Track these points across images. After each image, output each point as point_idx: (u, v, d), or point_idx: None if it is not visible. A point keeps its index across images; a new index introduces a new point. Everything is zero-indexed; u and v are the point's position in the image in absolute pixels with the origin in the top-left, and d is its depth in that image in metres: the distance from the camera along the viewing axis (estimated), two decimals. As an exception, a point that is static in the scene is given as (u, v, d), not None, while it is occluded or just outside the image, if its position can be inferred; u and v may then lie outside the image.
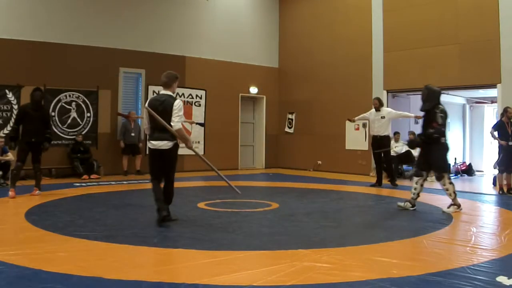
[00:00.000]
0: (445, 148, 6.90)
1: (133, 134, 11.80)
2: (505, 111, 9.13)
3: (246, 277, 3.55)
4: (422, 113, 7.17)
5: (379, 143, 9.94)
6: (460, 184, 11.43)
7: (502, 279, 3.49)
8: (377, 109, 10.04)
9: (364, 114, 10.54)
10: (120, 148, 11.77)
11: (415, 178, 6.97)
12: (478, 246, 4.61)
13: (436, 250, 4.47)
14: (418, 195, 6.93)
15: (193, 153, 5.97)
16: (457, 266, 3.85)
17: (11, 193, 7.46)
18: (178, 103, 5.48)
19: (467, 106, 15.63)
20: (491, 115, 14.94)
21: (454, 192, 6.71)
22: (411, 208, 6.88)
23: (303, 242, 4.70)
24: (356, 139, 13.09)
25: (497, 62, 10.30)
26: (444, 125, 6.77)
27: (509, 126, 8.98)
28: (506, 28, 10.15)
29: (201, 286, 3.33)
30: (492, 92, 11.71)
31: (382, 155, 10.05)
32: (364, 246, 4.63)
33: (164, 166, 5.57)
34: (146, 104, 5.61)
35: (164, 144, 5.42)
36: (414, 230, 5.49)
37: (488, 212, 7.18)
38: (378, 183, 10.03)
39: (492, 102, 13.71)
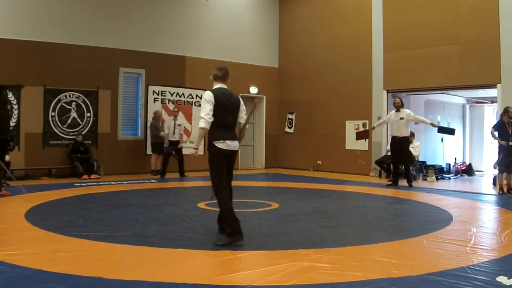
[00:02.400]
0: None
1: (166, 132, 11.72)
2: (505, 111, 9.12)
3: (246, 277, 3.55)
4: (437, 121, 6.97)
5: (398, 144, 9.91)
6: (460, 184, 11.45)
7: (502, 279, 3.49)
8: (398, 109, 9.99)
9: (383, 119, 10.46)
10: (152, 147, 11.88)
11: None
12: (478, 246, 4.61)
13: (436, 250, 4.47)
14: None
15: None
16: (457, 266, 3.84)
17: None
18: (240, 100, 4.97)
19: (467, 106, 15.63)
20: (491, 115, 14.94)
21: None
22: None
23: (303, 242, 4.70)
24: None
25: (497, 62, 10.30)
26: None
27: (509, 126, 8.97)
28: (506, 28, 10.15)
29: (201, 286, 3.33)
30: (492, 92, 11.71)
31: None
32: (364, 246, 4.64)
33: (230, 170, 4.91)
34: (213, 96, 4.69)
35: (237, 145, 4.82)
36: (414, 230, 5.49)
37: (488, 212, 7.18)
38: (395, 183, 10.02)
39: (492, 102, 13.71)
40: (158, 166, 11.87)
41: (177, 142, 11.73)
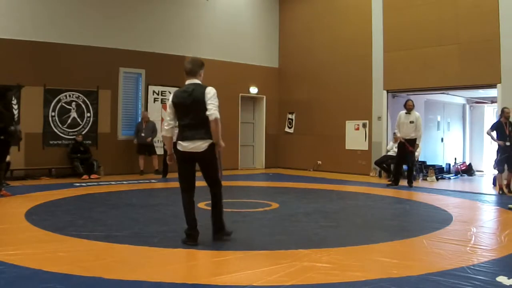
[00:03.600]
0: None
1: (143, 135, 11.81)
2: (502, 112, 9.19)
3: (246, 277, 3.55)
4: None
5: (406, 145, 9.86)
6: (460, 184, 11.45)
7: (502, 279, 3.49)
8: (408, 112, 9.92)
9: (396, 126, 10.22)
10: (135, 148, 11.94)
11: None
12: (478, 246, 4.61)
13: (436, 250, 4.47)
14: None
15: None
16: (457, 266, 3.84)
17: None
18: (210, 90, 4.53)
19: (467, 106, 15.63)
20: (491, 115, 14.94)
21: None
22: None
23: (303, 242, 4.70)
24: (356, 139, 13.09)
25: (497, 62, 10.29)
26: None
27: (507, 127, 9.02)
28: (506, 28, 10.15)
29: (201, 286, 3.33)
30: (492, 92, 11.71)
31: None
32: (364, 246, 4.63)
33: (204, 173, 4.65)
34: (171, 99, 4.59)
35: (199, 146, 4.45)
36: (414, 230, 5.49)
37: (488, 212, 7.18)
38: (395, 183, 10.01)
39: (492, 102, 13.71)
40: (142, 167, 11.94)
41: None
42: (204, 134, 4.45)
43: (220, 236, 4.66)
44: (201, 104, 4.44)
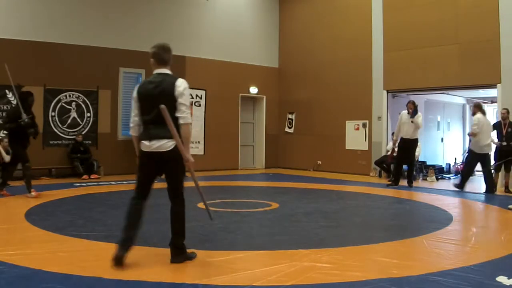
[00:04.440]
0: None
1: None
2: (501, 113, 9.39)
3: (246, 277, 3.55)
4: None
5: (407, 145, 9.87)
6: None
7: (502, 279, 3.49)
8: (409, 113, 9.90)
9: (397, 126, 10.14)
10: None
11: None
12: (478, 246, 4.61)
13: (436, 250, 4.47)
14: None
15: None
16: (457, 266, 3.84)
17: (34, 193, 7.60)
18: (182, 83, 3.86)
19: (467, 106, 15.62)
20: (491, 115, 14.93)
21: None
22: None
23: (303, 242, 4.70)
24: (356, 139, 13.09)
25: (497, 62, 10.29)
26: None
27: (505, 127, 9.15)
28: (506, 28, 10.15)
29: (201, 286, 3.33)
30: (492, 92, 11.71)
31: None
32: (364, 246, 4.64)
33: (166, 179, 4.04)
34: (135, 91, 3.96)
35: (162, 145, 3.84)
36: (414, 230, 5.49)
37: (488, 212, 7.18)
38: (395, 183, 10.02)
39: (492, 102, 13.72)
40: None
41: None
42: (164, 132, 3.79)
43: (179, 260, 3.93)
44: (170, 98, 3.77)
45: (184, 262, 3.94)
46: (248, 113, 15.14)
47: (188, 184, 4.14)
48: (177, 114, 3.80)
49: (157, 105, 3.70)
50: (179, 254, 3.96)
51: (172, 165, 3.94)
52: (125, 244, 3.77)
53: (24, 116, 7.47)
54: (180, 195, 4.04)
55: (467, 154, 9.69)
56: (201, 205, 7.06)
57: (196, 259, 4.05)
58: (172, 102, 3.77)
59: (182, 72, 13.14)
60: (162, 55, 3.94)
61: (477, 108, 9.22)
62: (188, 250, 4.07)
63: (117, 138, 12.09)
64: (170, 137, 3.79)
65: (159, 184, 4.23)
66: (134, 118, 3.98)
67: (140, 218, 3.93)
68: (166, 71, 3.95)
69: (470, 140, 9.41)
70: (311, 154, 14.25)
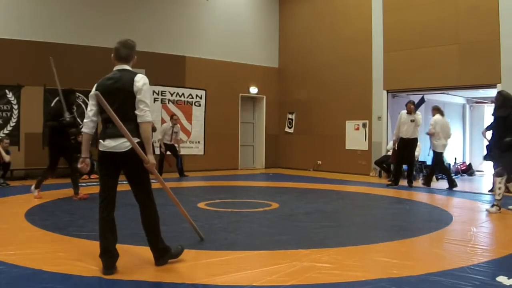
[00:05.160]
0: None
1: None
2: None
3: (246, 277, 3.55)
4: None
5: (407, 145, 9.88)
6: (460, 184, 11.42)
7: (502, 279, 3.49)
8: (409, 112, 9.90)
9: (397, 125, 10.16)
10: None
11: (498, 179, 6.74)
12: (478, 246, 4.61)
13: (436, 250, 4.47)
14: (503, 195, 6.71)
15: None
16: (457, 266, 3.84)
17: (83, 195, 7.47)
18: (141, 79, 3.66)
19: (467, 106, 15.63)
20: (491, 115, 14.93)
21: (502, 194, 6.65)
22: (499, 211, 6.66)
23: (303, 242, 4.69)
24: (356, 139, 13.09)
25: (497, 62, 10.30)
26: None
27: None
28: (506, 28, 10.15)
29: (201, 286, 3.33)
30: (492, 92, 11.68)
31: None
32: (364, 246, 4.63)
33: (131, 181, 3.76)
34: (94, 88, 3.78)
35: (119, 145, 3.60)
36: (414, 230, 5.49)
37: (488, 212, 7.16)
38: (395, 183, 10.02)
39: (492, 102, 13.69)
40: None
41: (171, 146, 11.73)
42: (130, 131, 3.55)
43: (164, 262, 3.81)
44: (128, 95, 3.59)
45: (179, 262, 3.89)
46: (248, 113, 15.14)
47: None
48: (136, 112, 3.58)
49: (116, 102, 3.57)
50: (163, 256, 3.81)
51: (130, 167, 3.67)
52: (109, 260, 3.58)
53: (66, 114, 7.27)
54: (148, 196, 3.81)
55: (432, 157, 10.23)
56: (201, 205, 7.07)
57: (196, 259, 4.05)
58: (131, 99, 3.59)
59: (182, 72, 13.16)
60: (121, 51, 3.82)
61: (436, 110, 10.11)
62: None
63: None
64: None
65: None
66: (89, 113, 3.77)
67: (115, 227, 3.69)
68: (126, 67, 3.79)
69: (430, 141, 10.06)
70: (311, 154, 14.25)
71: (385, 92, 12.51)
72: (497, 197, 6.66)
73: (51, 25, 11.05)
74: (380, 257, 4.20)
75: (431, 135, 9.87)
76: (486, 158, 7.29)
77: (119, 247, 3.90)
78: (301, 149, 14.61)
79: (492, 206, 6.71)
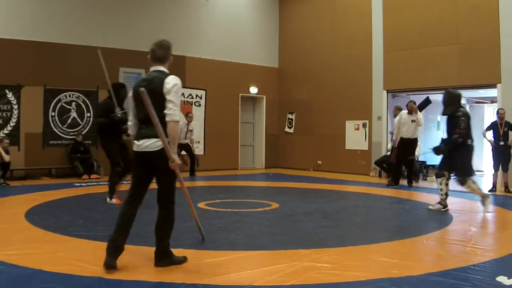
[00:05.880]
0: (469, 151, 6.89)
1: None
2: (497, 113, 9.45)
3: (246, 277, 3.55)
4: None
5: (407, 145, 9.87)
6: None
7: (502, 279, 3.49)
8: (410, 112, 9.89)
9: (395, 124, 10.19)
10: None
11: (438, 179, 6.91)
12: (478, 246, 4.61)
13: (436, 250, 4.48)
14: (446, 195, 6.88)
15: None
16: (457, 266, 3.84)
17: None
18: (172, 80, 3.67)
19: (467, 106, 15.59)
20: (491, 115, 14.93)
21: (479, 189, 6.91)
22: (443, 210, 6.80)
23: (303, 242, 4.70)
24: (356, 139, 13.09)
25: (497, 62, 10.29)
26: (467, 128, 6.71)
27: (502, 127, 9.25)
28: (506, 28, 10.15)
29: (201, 286, 3.33)
30: (492, 92, 11.71)
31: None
32: (364, 246, 4.63)
33: (157, 180, 3.81)
34: (132, 91, 3.86)
35: (150, 145, 3.67)
36: (414, 230, 5.49)
37: (488, 212, 7.16)
38: (395, 183, 10.02)
39: (492, 102, 13.72)
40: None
41: (186, 145, 11.74)
42: (152, 131, 3.64)
43: (162, 264, 3.79)
44: (158, 96, 3.61)
45: (177, 265, 3.84)
46: (248, 113, 15.14)
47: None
48: (165, 111, 3.60)
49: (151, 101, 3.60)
50: (162, 258, 3.81)
51: (160, 166, 3.69)
52: (114, 252, 3.65)
53: (117, 110, 6.76)
54: (169, 204, 3.81)
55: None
56: (201, 204, 7.07)
57: (196, 259, 4.05)
58: (161, 100, 3.61)
59: (182, 72, 13.14)
60: (156, 51, 3.86)
61: (398, 110, 10.32)
62: (176, 250, 3.96)
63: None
64: (156, 135, 3.62)
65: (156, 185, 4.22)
66: (131, 117, 3.88)
67: (131, 224, 3.77)
68: (161, 68, 3.83)
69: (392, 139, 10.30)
70: (311, 154, 14.25)
71: (385, 92, 12.50)
72: (442, 197, 6.85)
73: (51, 25, 11.04)
74: (380, 257, 4.20)
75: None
76: (434, 150, 7.28)
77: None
78: (301, 149, 14.61)
79: (435, 204, 6.90)
